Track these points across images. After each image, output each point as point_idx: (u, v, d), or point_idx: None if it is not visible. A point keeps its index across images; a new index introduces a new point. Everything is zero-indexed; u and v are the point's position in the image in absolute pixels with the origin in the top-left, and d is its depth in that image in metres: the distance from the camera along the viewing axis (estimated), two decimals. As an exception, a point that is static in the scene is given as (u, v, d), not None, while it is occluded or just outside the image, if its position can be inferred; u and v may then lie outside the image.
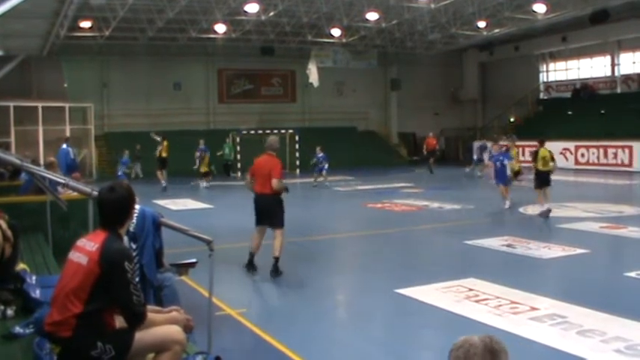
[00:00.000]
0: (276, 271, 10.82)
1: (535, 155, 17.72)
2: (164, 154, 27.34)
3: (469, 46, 45.92)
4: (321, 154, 28.55)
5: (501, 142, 22.87)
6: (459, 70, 49.88)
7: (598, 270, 11.46)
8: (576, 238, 14.16)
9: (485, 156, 31.33)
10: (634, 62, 42.08)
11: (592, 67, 44.70)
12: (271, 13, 32.53)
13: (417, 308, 8.95)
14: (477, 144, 37.43)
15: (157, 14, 32.12)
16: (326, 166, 28.60)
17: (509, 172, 19.47)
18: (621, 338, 7.20)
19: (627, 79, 42.19)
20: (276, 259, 10.86)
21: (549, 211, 16.93)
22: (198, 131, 37.07)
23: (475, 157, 34.18)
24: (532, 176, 18.18)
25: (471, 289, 9.56)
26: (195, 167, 29.49)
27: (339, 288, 10.86)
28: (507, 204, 19.05)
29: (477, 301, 8.95)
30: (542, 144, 17.90)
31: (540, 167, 17.43)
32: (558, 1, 31.99)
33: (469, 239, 13.99)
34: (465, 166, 34.47)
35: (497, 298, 9.05)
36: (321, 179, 28.36)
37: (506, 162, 19.49)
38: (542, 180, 17.39)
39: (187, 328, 4.83)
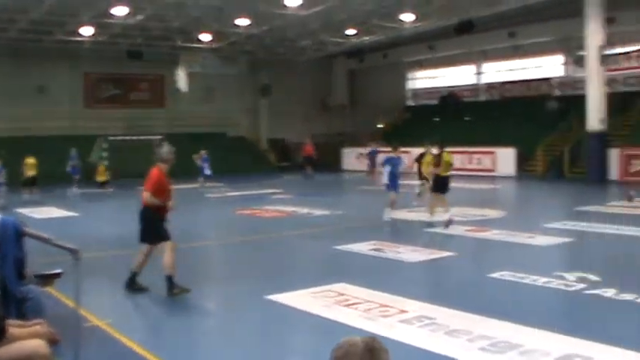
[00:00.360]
0: (169, 290, 9.82)
1: (439, 159, 17.52)
2: (30, 173, 26.02)
3: (339, 53, 46.58)
4: (203, 157, 29.17)
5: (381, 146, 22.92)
6: (328, 76, 50.43)
7: (463, 272, 11.75)
8: (443, 241, 14.53)
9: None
10: (497, 71, 43.80)
11: (458, 76, 46.18)
12: (140, 17, 31.74)
13: (287, 314, 8.86)
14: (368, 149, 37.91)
15: (19, 14, 30.78)
16: (207, 170, 28.92)
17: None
18: (486, 336, 7.38)
19: (490, 87, 43.86)
20: (166, 278, 9.87)
21: (450, 221, 16.67)
22: (64, 136, 35.88)
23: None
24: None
25: (341, 294, 9.57)
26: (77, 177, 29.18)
27: (209, 296, 10.63)
28: (387, 215, 18.00)
29: (347, 306, 8.96)
30: (442, 148, 17.73)
31: (443, 172, 17.35)
32: (426, 11, 32.86)
33: (338, 244, 14.04)
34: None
35: (367, 301, 9.09)
36: (205, 184, 28.94)
37: (388, 168, 18.42)
38: (441, 185, 17.46)
39: (52, 342, 4.59)
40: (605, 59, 30.29)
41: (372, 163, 34.70)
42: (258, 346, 7.72)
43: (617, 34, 34.49)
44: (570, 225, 16.56)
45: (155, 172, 10.06)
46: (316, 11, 31.55)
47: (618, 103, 33.38)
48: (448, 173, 17.50)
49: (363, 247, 13.69)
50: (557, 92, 40.16)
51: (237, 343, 7.89)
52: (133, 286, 10.16)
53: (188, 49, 39.82)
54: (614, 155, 30.95)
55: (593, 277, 10.29)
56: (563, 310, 9.26)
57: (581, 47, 33.13)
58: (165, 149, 10.33)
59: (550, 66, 41.84)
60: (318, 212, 20.31)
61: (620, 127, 33.33)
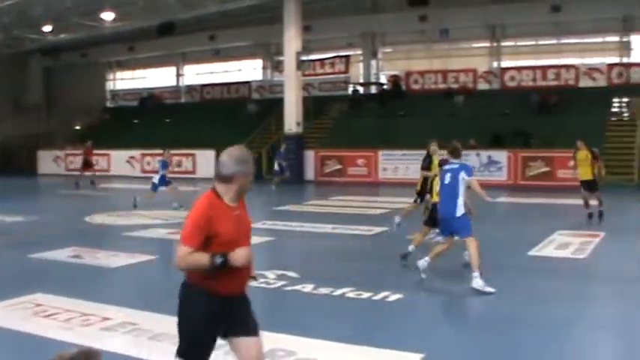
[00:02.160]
0: None
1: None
2: None
3: (35, 50, 44.11)
4: None
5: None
6: (23, 74, 47.57)
7: (165, 275, 11.58)
8: (144, 245, 14.27)
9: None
10: (198, 74, 44.20)
11: (159, 77, 45.93)
12: None
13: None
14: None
15: None
16: None
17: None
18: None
19: (191, 89, 44.16)
20: None
21: None
22: None
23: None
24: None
25: (39, 305, 9.01)
26: None
27: None
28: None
29: (46, 317, 8.45)
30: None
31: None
32: (127, 10, 32.24)
33: (34, 252, 13.17)
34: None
35: (68, 311, 8.64)
36: None
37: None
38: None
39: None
40: (301, 65, 31.77)
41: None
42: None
43: (313, 41, 36.42)
44: (269, 224, 17.10)
45: None
46: (10, 4, 29.70)
47: (314, 107, 35.20)
48: None
49: (61, 254, 13.01)
50: (256, 95, 41.46)
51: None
52: None
53: None
54: (310, 157, 32.55)
55: (292, 274, 10.69)
56: (265, 308, 9.46)
57: (279, 53, 34.51)
58: None
59: (250, 70, 43.05)
60: (9, 219, 18.84)
61: (315, 130, 35.18)
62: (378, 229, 16.11)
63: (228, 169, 4.70)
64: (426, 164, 14.64)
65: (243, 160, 4.73)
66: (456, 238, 10.18)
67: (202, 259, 4.52)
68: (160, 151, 23.40)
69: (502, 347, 7.49)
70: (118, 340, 7.49)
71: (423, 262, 10.24)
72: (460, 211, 9.94)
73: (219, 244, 4.57)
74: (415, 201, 14.96)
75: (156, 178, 20.81)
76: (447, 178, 10.14)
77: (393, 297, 9.35)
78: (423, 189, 14.27)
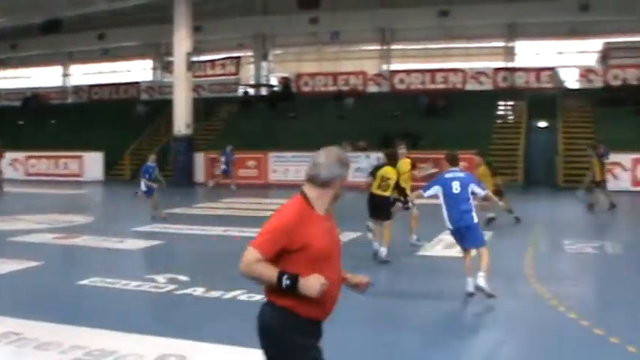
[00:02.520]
0: None
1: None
2: None
3: None
4: None
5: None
6: None
7: (51, 281, 11.21)
8: (29, 250, 13.77)
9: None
10: (86, 74, 43.16)
11: (44, 77, 44.60)
12: None
13: None
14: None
15: None
16: None
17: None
18: (79, 346, 7.14)
19: (78, 90, 43.06)
20: None
21: None
22: None
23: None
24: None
25: None
26: None
27: None
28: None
29: None
30: None
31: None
32: (9, 5, 31.15)
33: None
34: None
35: (-55, 321, 8.29)
36: None
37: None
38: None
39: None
40: (192, 66, 31.47)
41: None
42: None
43: (204, 42, 36.16)
44: (159, 227, 16.86)
45: None
46: None
47: (204, 108, 34.94)
48: None
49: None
50: (145, 96, 40.82)
51: None
52: None
53: None
54: (200, 159, 32.27)
55: (182, 278, 10.56)
56: (155, 313, 9.35)
57: (169, 53, 34.09)
58: None
59: (139, 70, 42.37)
60: None
61: (205, 132, 34.92)
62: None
63: (328, 172, 4.06)
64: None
65: (344, 163, 4.14)
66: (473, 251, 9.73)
67: (270, 273, 3.89)
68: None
69: (383, 347, 7.62)
70: (1, 351, 7.21)
71: (481, 280, 9.28)
72: (475, 218, 9.71)
73: (309, 259, 3.89)
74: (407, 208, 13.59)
75: (142, 187, 19.29)
76: (456, 186, 9.66)
77: (244, 296, 9.35)
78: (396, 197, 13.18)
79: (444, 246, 13.90)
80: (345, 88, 36.66)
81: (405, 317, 8.86)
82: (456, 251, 13.32)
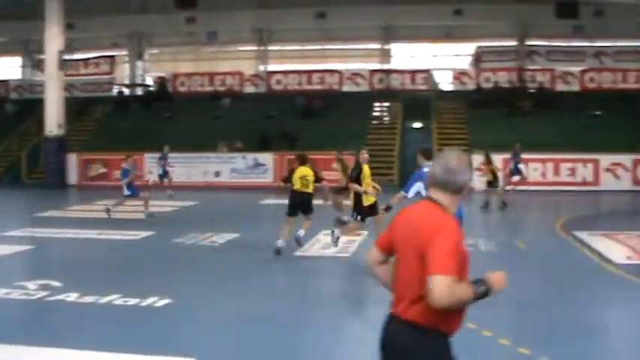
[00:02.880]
0: None
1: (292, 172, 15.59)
2: None
3: None
4: None
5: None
6: None
7: None
8: None
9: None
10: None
11: None
12: None
13: None
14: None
15: None
16: None
17: None
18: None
19: None
20: None
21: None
22: None
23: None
24: None
25: None
26: None
27: None
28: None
29: None
30: None
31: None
32: None
33: None
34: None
35: None
36: None
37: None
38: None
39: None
40: (64, 64, 30.51)
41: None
42: None
43: (77, 40, 35.15)
44: (30, 232, 16.25)
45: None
46: None
47: (77, 108, 33.97)
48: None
49: None
50: (14, 95, 39.36)
51: None
52: None
53: None
54: (73, 160, 31.32)
55: (55, 283, 10.19)
56: (25, 321, 8.98)
57: (40, 51, 32.96)
58: None
59: (8, 68, 40.87)
60: None
61: (78, 133, 33.95)
62: (145, 234, 15.81)
63: (463, 177, 3.80)
64: (356, 175, 13.00)
65: (471, 166, 3.90)
66: None
67: (467, 290, 3.56)
68: None
69: (268, 347, 7.61)
70: None
71: None
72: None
73: (461, 267, 3.62)
74: (356, 218, 12.98)
75: (125, 191, 18.76)
76: None
77: (161, 302, 9.20)
78: (359, 205, 12.75)
79: (321, 246, 14.04)
80: (221, 89, 36.50)
81: (291, 318, 8.85)
82: (335, 251, 13.53)
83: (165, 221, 18.54)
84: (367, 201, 12.72)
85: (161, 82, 37.33)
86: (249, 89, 37.01)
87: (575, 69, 35.13)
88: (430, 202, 3.80)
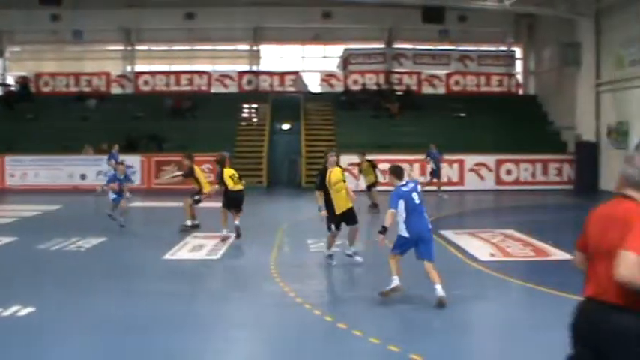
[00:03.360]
0: None
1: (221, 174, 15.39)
2: None
3: None
4: None
5: None
6: None
7: None
8: None
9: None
10: None
11: None
12: None
13: None
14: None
15: None
16: None
17: None
18: None
19: None
20: None
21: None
22: None
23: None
24: None
25: None
26: None
27: None
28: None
29: None
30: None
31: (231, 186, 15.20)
32: None
33: None
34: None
35: None
36: None
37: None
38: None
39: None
40: None
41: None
42: None
43: None
44: None
45: None
46: None
47: None
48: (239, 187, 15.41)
49: None
50: None
51: None
52: None
53: None
54: None
55: None
56: None
57: None
58: None
59: None
60: None
61: None
62: (7, 239, 15.26)
63: None
64: (319, 181, 12.52)
65: None
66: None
67: None
68: None
69: (144, 348, 7.57)
70: None
71: (439, 289, 9.28)
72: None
73: None
74: (329, 228, 12.33)
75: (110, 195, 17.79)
76: (417, 197, 9.63)
77: (25, 311, 8.96)
78: (332, 214, 12.21)
79: (189, 249, 14.02)
80: (87, 89, 35.55)
81: (164, 319, 8.78)
82: (204, 253, 13.51)
83: (29, 226, 17.97)
84: (339, 208, 12.19)
85: (23, 81, 35.98)
86: (116, 90, 36.22)
87: (441, 72, 36.40)
88: (626, 199, 4.11)
